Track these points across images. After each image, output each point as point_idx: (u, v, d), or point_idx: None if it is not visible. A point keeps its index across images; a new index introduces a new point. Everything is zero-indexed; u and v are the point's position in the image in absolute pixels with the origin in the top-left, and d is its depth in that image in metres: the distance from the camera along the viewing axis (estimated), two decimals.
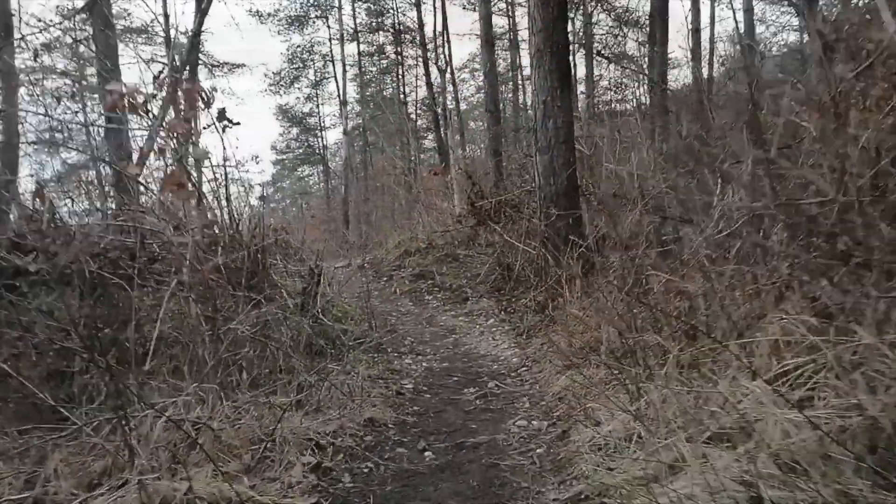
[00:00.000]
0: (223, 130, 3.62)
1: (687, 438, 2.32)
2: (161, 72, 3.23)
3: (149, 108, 3.16)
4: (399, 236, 10.07)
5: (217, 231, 4.77)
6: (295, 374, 4.14)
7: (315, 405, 3.91)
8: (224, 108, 3.65)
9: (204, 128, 3.52)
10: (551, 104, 7.13)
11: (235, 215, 5.54)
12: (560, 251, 6.90)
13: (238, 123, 3.74)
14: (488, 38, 12.76)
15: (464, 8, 21.79)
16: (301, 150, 26.96)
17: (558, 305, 6.16)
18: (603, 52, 16.65)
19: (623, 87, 23.26)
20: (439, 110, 20.42)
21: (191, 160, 4.17)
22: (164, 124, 3.05)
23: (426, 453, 3.22)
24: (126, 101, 3.00)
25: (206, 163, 4.86)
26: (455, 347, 5.83)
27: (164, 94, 3.27)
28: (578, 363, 4.11)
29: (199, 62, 20.39)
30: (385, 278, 8.98)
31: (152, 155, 4.43)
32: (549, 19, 7.07)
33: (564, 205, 7.10)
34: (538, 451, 3.11)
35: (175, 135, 2.96)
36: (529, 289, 7.14)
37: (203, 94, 3.47)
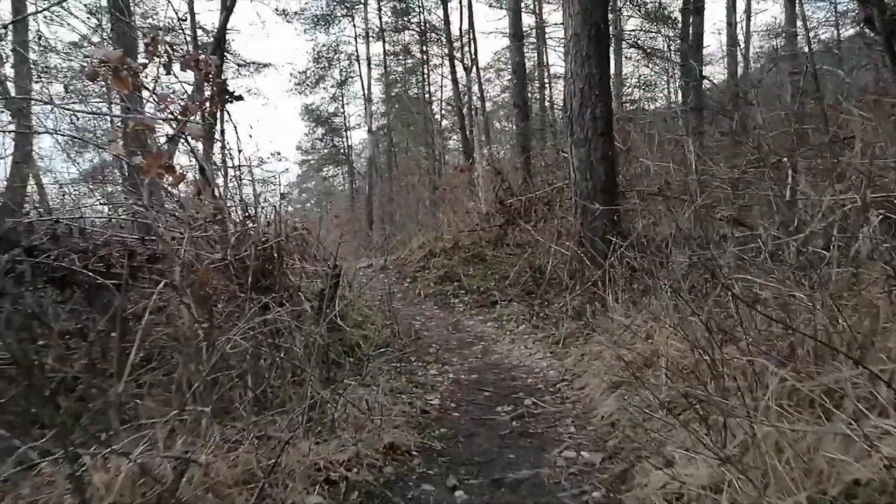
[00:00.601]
0: (223, 106, 3.09)
1: (809, 500, 1.72)
2: (154, 37, 2.73)
3: (140, 77, 2.65)
4: (423, 236, 9.51)
5: (227, 225, 4.26)
6: (307, 388, 3.61)
7: (329, 425, 3.37)
8: (225, 80, 3.13)
9: (206, 101, 3.01)
10: (588, 93, 6.53)
11: (249, 209, 5.03)
12: (598, 251, 6.31)
13: (241, 98, 3.22)
14: (516, 32, 12.16)
15: (490, 6, 21.21)
16: (326, 151, 26.59)
17: (598, 311, 5.56)
18: (635, 46, 15.90)
19: (653, 85, 22.50)
20: (465, 109, 19.86)
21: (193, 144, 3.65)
22: (155, 97, 2.55)
23: (457, 492, 2.65)
24: (109, 69, 2.49)
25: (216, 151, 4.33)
26: (484, 356, 5.25)
27: (157, 62, 2.76)
28: (631, 381, 3.51)
29: (226, 60, 20.09)
30: (409, 280, 8.43)
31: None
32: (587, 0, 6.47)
33: (602, 201, 6.49)
34: (595, 494, 2.51)
35: (167, 109, 2.46)
36: (563, 292, 6.53)
37: (206, 62, 2.95)
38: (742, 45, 17.27)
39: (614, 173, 6.68)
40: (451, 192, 9.99)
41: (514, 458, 3.02)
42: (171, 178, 2.41)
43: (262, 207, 5.49)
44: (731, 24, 16.41)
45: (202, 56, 2.98)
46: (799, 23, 15.17)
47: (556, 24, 19.47)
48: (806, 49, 15.36)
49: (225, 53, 20.13)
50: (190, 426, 2.50)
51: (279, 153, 14.63)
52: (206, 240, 4.10)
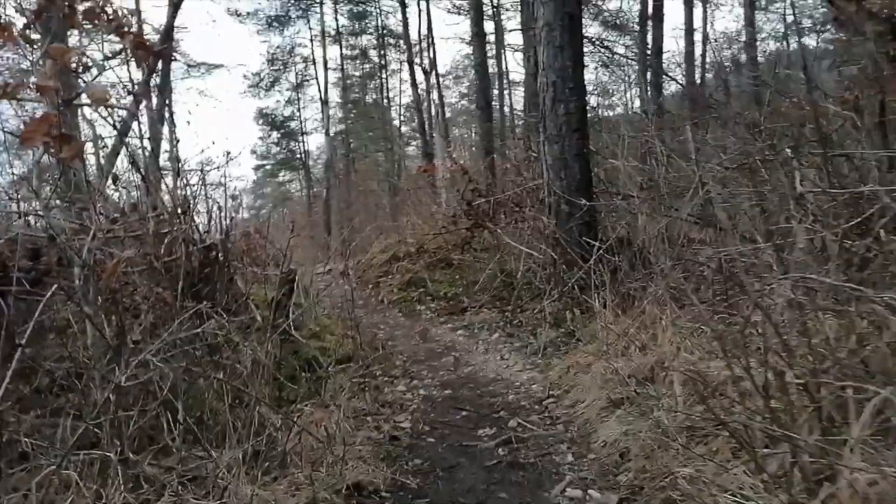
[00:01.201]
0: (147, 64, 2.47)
1: None
2: None
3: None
4: (386, 240, 8.90)
5: (150, 220, 3.60)
6: (253, 413, 2.98)
7: (279, 459, 2.76)
8: (146, 37, 2.51)
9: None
10: (562, 86, 6.06)
11: (187, 203, 4.37)
12: (575, 254, 5.84)
13: (170, 56, 2.63)
14: (478, 31, 11.72)
15: (448, 11, 20.77)
16: (282, 155, 25.68)
17: (580, 318, 5.07)
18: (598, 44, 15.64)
19: (610, 93, 22.42)
20: (424, 113, 19.37)
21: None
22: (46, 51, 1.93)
23: None
24: None
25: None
26: (457, 369, 4.69)
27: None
28: (633, 398, 3.01)
29: (174, 59, 19.12)
30: (371, 286, 7.81)
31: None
32: None
33: (577, 202, 6.04)
34: None
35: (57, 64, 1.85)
36: (538, 298, 6.04)
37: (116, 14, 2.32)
38: (700, 53, 17.27)
39: (589, 172, 6.24)
40: (413, 193, 9.43)
41: (506, 497, 2.46)
42: (65, 151, 1.80)
43: (209, 207, 4.84)
44: (689, 32, 16.39)
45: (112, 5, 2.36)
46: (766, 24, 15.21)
47: (514, 29, 19.13)
48: (759, 57, 15.39)
49: (174, 53, 19.23)
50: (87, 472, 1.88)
51: (229, 153, 13.77)
52: (129, 239, 3.44)
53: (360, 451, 2.88)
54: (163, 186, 4.59)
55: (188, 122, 13.48)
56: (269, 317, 4.85)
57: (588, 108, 6.99)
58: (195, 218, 4.57)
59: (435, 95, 19.28)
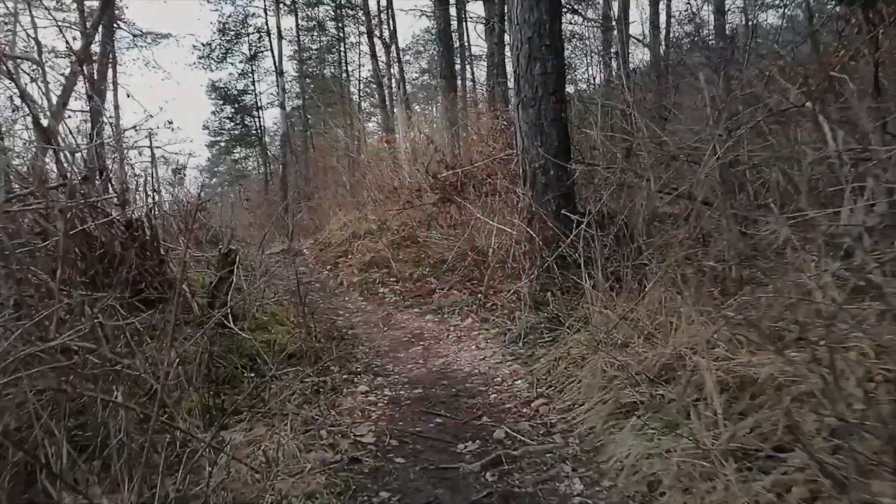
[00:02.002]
0: None
1: None
2: None
3: None
4: (345, 216, 8.14)
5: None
6: (173, 435, 2.27)
7: (202, 501, 2.07)
8: None
9: None
10: (538, 42, 5.38)
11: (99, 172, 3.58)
12: (554, 228, 5.22)
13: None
14: None
15: None
16: (237, 131, 24.36)
17: (562, 301, 4.47)
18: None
19: (572, 67, 21.80)
20: (385, 90, 18.48)
21: None
22: None
23: None
24: None
25: None
26: (426, 361, 4.03)
27: None
28: (649, 402, 2.40)
29: (118, 27, 17.74)
30: (329, 267, 7.07)
31: None
32: None
33: (555, 172, 5.40)
34: None
35: None
36: (513, 277, 5.42)
37: None
38: (663, 28, 16.75)
39: (568, 138, 5.59)
40: (375, 166, 8.65)
41: None
42: None
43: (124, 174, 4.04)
44: (654, 3, 15.83)
45: None
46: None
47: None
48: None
49: (117, 22, 17.81)
50: None
51: (171, 122, 12.59)
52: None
53: (309, 482, 2.21)
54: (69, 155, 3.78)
55: (128, 95, 12.20)
56: (205, 305, 4.14)
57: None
58: (110, 188, 3.79)
59: (395, 69, 18.42)
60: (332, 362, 3.86)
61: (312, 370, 3.64)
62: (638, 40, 12.04)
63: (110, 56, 17.68)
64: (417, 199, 7.26)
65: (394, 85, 19.23)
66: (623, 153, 5.52)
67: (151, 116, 8.94)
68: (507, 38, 13.28)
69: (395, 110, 15.31)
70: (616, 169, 5.17)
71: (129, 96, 12.60)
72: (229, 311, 3.64)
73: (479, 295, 5.53)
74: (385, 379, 3.73)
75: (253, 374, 3.50)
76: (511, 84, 9.17)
